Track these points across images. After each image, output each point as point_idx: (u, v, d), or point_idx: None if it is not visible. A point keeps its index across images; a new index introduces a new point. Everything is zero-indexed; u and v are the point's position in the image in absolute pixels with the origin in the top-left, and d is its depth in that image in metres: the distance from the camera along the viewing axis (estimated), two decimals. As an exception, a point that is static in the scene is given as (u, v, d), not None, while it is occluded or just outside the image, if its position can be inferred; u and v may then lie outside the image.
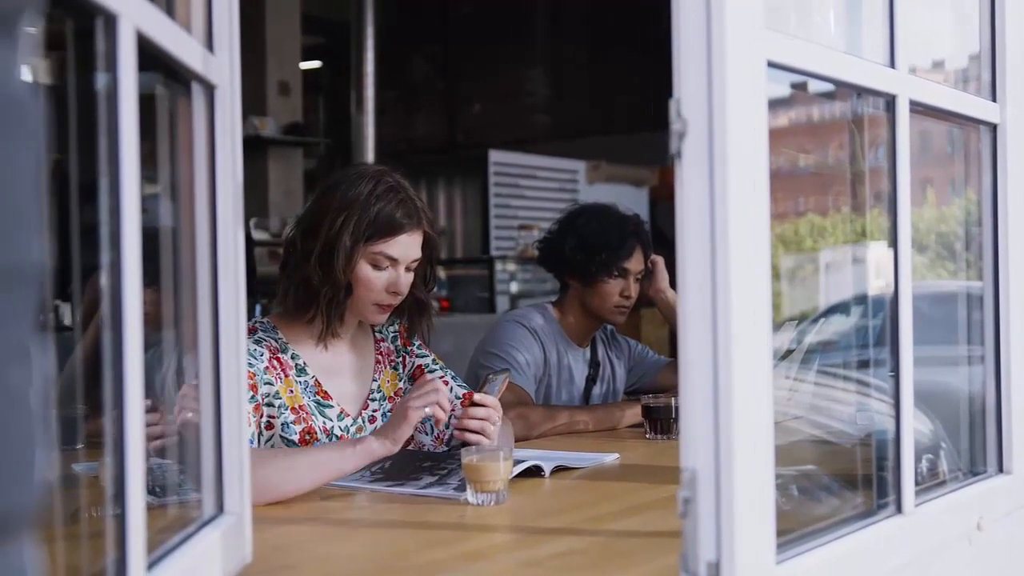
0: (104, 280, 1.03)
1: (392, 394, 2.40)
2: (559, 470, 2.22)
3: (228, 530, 1.37)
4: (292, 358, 2.25)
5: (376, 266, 2.22)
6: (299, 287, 2.23)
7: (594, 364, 3.19)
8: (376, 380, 2.38)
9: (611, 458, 2.38)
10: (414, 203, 2.26)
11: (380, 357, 2.41)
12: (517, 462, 2.06)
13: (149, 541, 1.08)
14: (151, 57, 1.14)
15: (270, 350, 2.20)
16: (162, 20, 1.15)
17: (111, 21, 1.01)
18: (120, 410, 1.03)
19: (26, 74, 0.60)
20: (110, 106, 1.03)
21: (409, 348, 2.46)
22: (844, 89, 1.62)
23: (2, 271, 0.56)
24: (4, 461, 0.56)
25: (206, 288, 1.38)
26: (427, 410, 2.01)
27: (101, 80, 1.04)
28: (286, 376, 2.22)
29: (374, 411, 2.35)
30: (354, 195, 2.20)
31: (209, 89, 1.37)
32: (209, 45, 1.37)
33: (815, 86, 1.59)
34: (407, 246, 2.24)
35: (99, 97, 1.04)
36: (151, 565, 1.12)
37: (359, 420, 2.31)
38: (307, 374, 2.26)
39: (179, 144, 1.38)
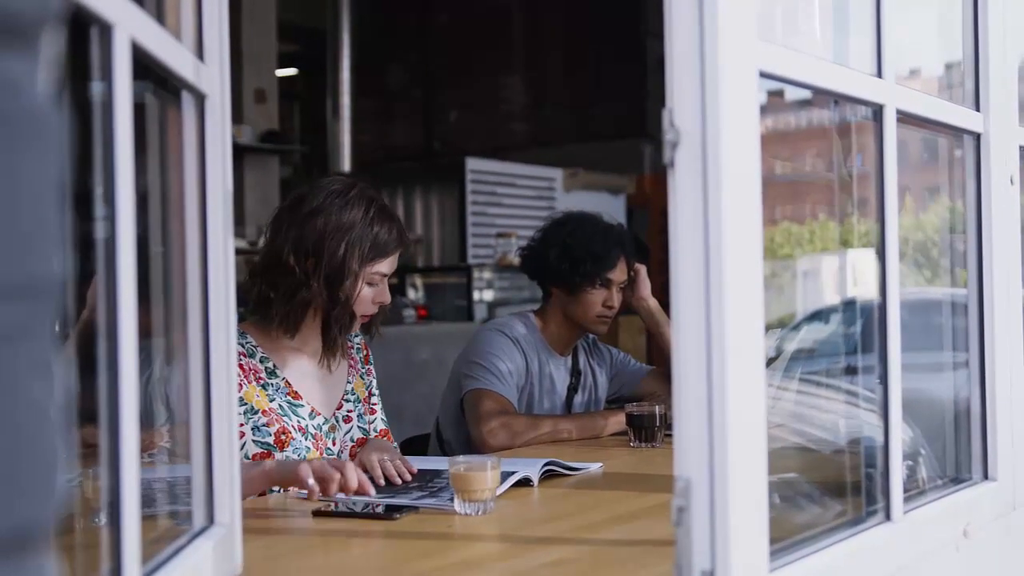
0: (99, 289, 1.02)
1: (362, 398, 2.49)
2: (548, 476, 2.22)
3: (219, 542, 1.36)
4: (261, 361, 2.31)
5: (370, 284, 2.33)
6: (300, 308, 2.29)
7: (576, 373, 3.19)
8: (350, 382, 2.47)
9: (595, 467, 2.39)
10: (400, 221, 2.39)
11: (352, 362, 2.50)
12: (506, 473, 2.07)
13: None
14: (142, 66, 1.13)
15: None
16: (156, 30, 1.15)
17: (106, 30, 1.01)
18: (115, 422, 1.02)
19: (47, 86, 0.59)
20: (105, 115, 1.02)
21: (367, 367, 2.55)
22: (821, 97, 1.63)
23: (23, 284, 0.56)
24: (29, 475, 0.56)
25: (196, 299, 1.38)
26: (310, 482, 1.93)
27: (95, 89, 1.03)
28: (250, 382, 2.27)
29: (348, 411, 2.44)
30: (350, 220, 2.28)
31: (200, 98, 1.37)
32: (200, 55, 1.37)
33: (791, 93, 1.60)
34: (395, 261, 2.37)
35: (92, 106, 1.03)
36: (144, 578, 1.11)
37: (332, 419, 2.39)
38: (278, 376, 2.32)
39: (168, 153, 1.37)
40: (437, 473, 2.22)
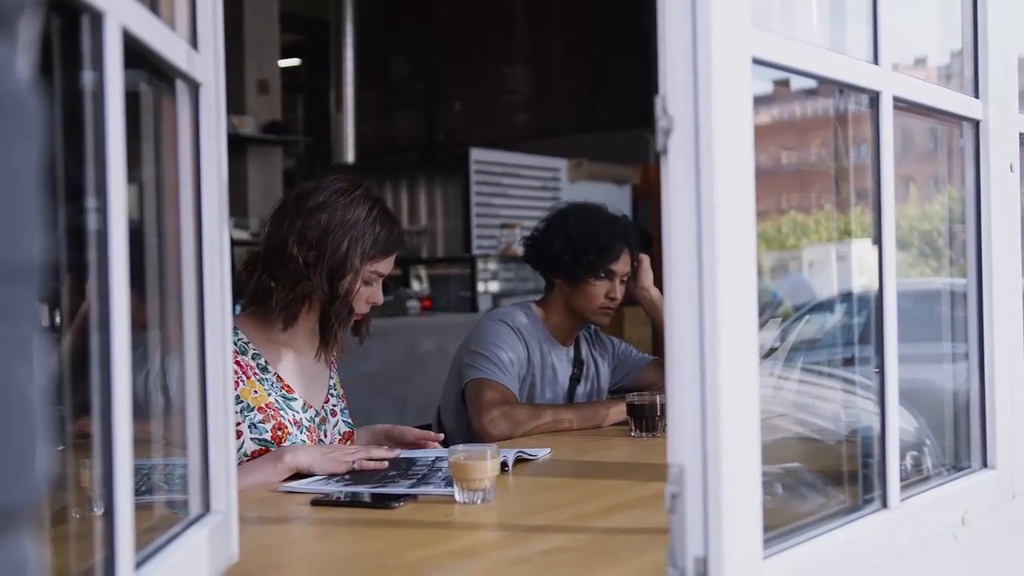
0: (91, 281, 1.02)
1: (341, 395, 2.55)
2: (520, 461, 2.27)
3: (215, 529, 1.37)
4: (253, 358, 2.34)
5: (366, 282, 2.36)
6: (300, 300, 2.32)
7: (578, 363, 3.19)
8: (332, 379, 2.52)
9: (544, 453, 2.42)
10: (400, 224, 2.44)
11: (333, 360, 2.54)
12: None
13: (135, 540, 1.07)
14: (135, 55, 1.13)
15: None
16: (148, 18, 1.15)
17: (97, 19, 1.01)
18: (108, 411, 1.02)
19: (26, 71, 0.59)
20: (96, 104, 1.02)
21: (335, 369, 2.59)
22: (826, 86, 1.63)
23: (5, 267, 0.56)
24: (8, 456, 0.56)
25: (191, 288, 1.38)
26: (355, 466, 2.16)
27: (86, 77, 1.03)
28: (248, 378, 2.30)
29: (333, 406, 2.49)
30: (354, 217, 2.32)
31: (194, 87, 1.36)
32: (194, 43, 1.36)
33: (797, 83, 1.60)
34: (392, 263, 2.42)
35: (84, 95, 1.03)
36: (139, 564, 1.11)
37: (322, 412, 2.44)
38: (270, 372, 2.35)
39: (163, 143, 1.37)
40: (412, 461, 2.25)
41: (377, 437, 2.55)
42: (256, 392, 2.30)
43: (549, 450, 2.45)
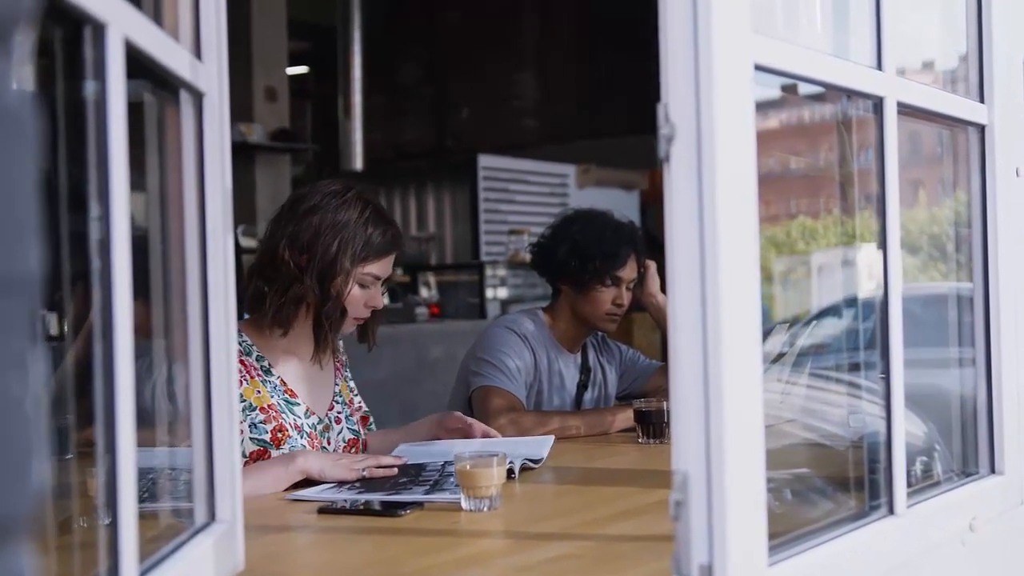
0: (95, 290, 1.03)
1: (348, 401, 2.53)
2: (525, 469, 2.26)
3: (220, 538, 1.37)
4: (257, 360, 2.34)
5: (362, 285, 2.36)
6: (293, 303, 2.32)
7: (585, 370, 3.19)
8: (337, 385, 2.51)
9: (548, 440, 2.46)
10: (396, 226, 2.43)
11: (339, 366, 2.54)
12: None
13: (140, 549, 1.07)
14: (139, 65, 1.13)
15: None
16: (150, 28, 1.15)
17: (99, 30, 1.01)
18: (111, 419, 1.02)
19: (21, 83, 0.60)
20: (98, 114, 1.02)
21: (347, 372, 2.58)
22: (834, 91, 1.63)
23: (1, 280, 0.56)
24: (3, 468, 0.56)
25: (196, 297, 1.38)
26: (364, 473, 2.15)
27: (89, 88, 1.03)
28: (252, 378, 2.31)
29: (338, 413, 2.48)
30: (344, 219, 2.32)
31: (197, 97, 1.37)
32: (197, 53, 1.37)
33: (805, 88, 1.60)
34: (390, 265, 2.40)
35: (87, 105, 1.04)
36: (143, 573, 1.11)
37: (326, 419, 2.43)
38: (273, 375, 2.35)
39: (167, 152, 1.38)
40: (422, 467, 2.24)
41: (433, 427, 2.54)
42: (259, 392, 2.30)
43: (552, 437, 2.48)
